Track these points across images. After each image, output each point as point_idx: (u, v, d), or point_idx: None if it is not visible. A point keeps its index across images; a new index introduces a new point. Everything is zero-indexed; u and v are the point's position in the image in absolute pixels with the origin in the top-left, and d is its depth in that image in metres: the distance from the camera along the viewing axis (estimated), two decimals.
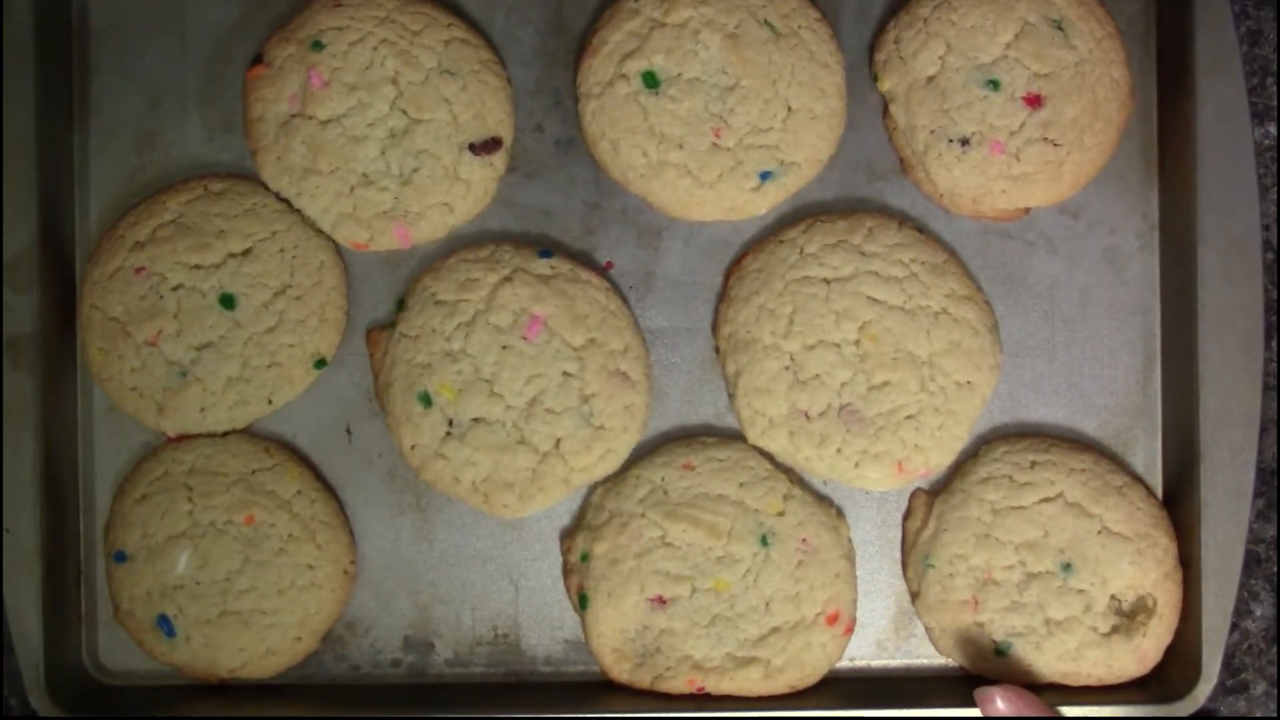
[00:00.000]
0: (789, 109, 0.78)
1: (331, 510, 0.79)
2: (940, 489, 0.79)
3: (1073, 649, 0.76)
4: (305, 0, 0.80)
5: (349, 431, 0.80)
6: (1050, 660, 0.76)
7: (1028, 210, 0.80)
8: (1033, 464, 0.78)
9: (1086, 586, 0.76)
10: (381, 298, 0.81)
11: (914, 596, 0.78)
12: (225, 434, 0.79)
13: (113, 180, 0.81)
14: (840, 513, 0.79)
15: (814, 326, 0.77)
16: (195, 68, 0.81)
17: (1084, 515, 0.77)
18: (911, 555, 0.78)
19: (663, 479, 0.78)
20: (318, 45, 0.78)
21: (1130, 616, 0.76)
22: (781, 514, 0.77)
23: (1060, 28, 0.78)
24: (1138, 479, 0.79)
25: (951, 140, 0.78)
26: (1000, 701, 0.69)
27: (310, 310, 0.79)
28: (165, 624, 0.77)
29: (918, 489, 0.80)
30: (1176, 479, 0.79)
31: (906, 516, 0.80)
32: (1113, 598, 0.76)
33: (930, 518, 0.78)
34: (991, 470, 0.78)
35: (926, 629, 0.78)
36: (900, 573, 0.79)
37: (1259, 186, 0.77)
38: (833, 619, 0.77)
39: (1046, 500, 0.77)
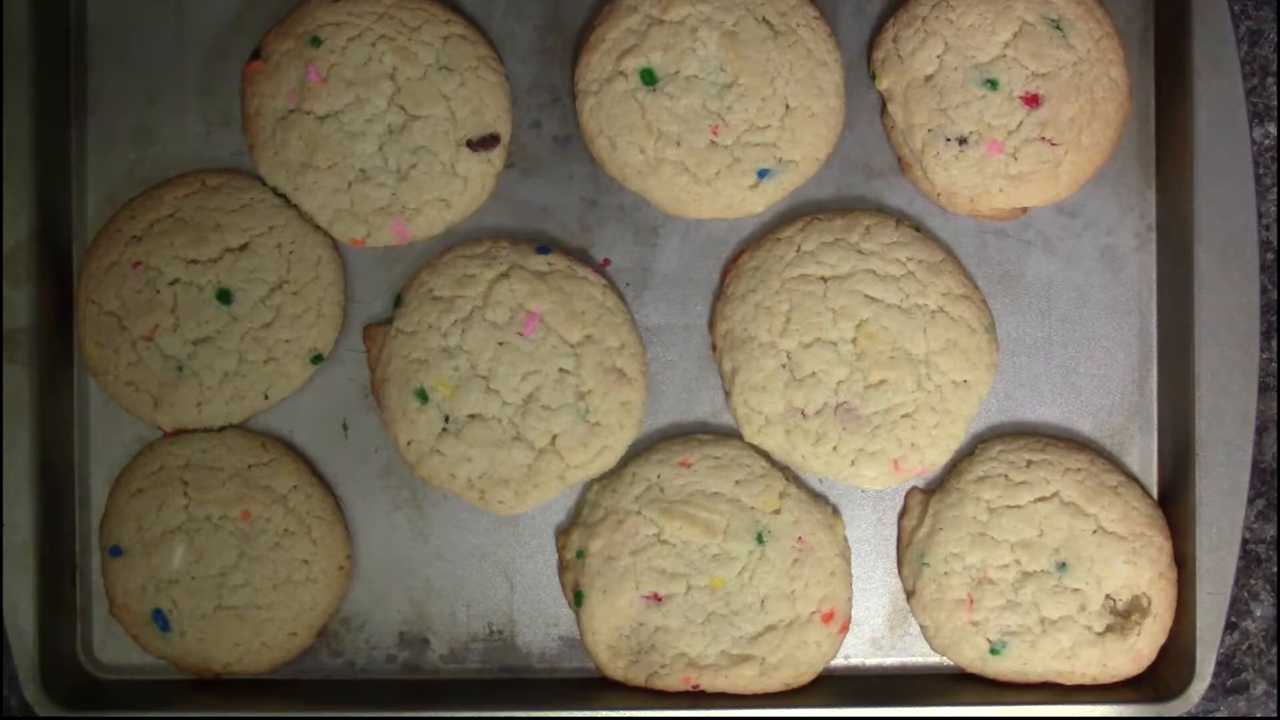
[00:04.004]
0: (787, 107, 0.78)
1: (327, 506, 0.79)
2: (936, 488, 0.79)
3: (1067, 648, 0.76)
4: None
5: (345, 427, 0.80)
6: (1045, 659, 0.76)
7: (1025, 209, 0.80)
8: (1028, 463, 0.78)
9: (1081, 585, 0.76)
10: (378, 293, 0.81)
11: (909, 595, 0.78)
12: (221, 429, 0.79)
13: (110, 175, 0.81)
14: (836, 511, 0.79)
15: (811, 324, 0.77)
16: (193, 63, 0.81)
17: (1079, 514, 0.77)
18: (907, 554, 0.78)
19: (659, 476, 0.78)
20: (316, 41, 0.78)
21: (1125, 616, 0.76)
22: (777, 512, 0.77)
23: (1058, 27, 0.78)
24: (1133, 478, 0.79)
25: (949, 139, 0.78)
26: None
27: (307, 306, 0.79)
28: (160, 618, 0.77)
29: (913, 487, 0.80)
30: (1172, 478, 0.78)
31: (902, 515, 0.80)
32: (1107, 597, 0.76)
33: (926, 516, 0.78)
34: (987, 469, 0.78)
35: (921, 627, 0.78)
36: (895, 571, 0.79)
37: (1259, 186, 0.77)
38: (828, 617, 0.77)
39: (1042, 499, 0.77)
